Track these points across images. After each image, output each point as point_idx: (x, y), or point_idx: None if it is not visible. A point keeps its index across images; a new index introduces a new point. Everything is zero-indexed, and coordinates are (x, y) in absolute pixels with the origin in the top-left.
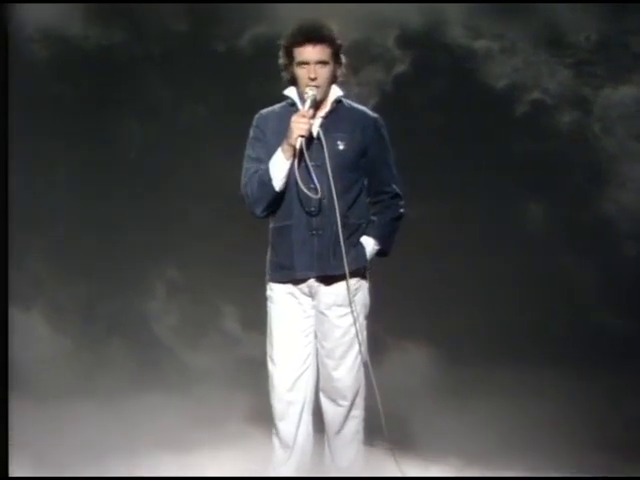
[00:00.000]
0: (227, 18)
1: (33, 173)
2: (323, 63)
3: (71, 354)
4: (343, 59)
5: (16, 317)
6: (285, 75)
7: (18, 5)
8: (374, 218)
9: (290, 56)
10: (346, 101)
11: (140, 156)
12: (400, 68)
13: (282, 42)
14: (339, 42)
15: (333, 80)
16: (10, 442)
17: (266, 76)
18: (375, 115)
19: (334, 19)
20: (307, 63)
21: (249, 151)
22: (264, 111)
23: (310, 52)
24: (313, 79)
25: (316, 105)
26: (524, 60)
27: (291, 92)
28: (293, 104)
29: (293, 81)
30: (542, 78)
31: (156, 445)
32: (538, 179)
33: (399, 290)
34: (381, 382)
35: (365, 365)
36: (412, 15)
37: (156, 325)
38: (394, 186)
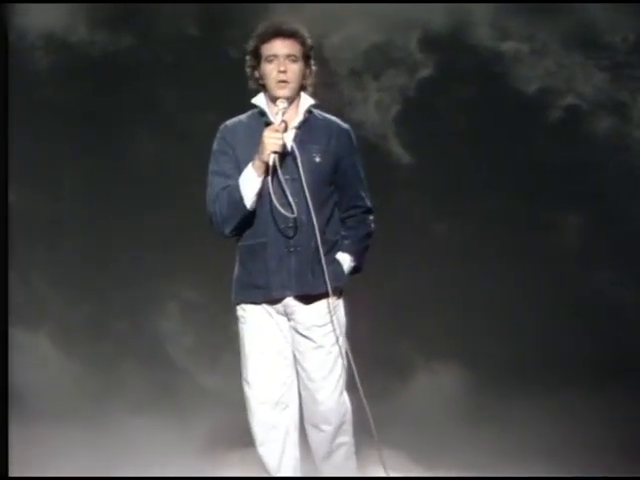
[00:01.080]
0: (241, 20)
1: (36, 188)
2: (293, 58)
3: (80, 377)
4: (313, 65)
5: (22, 339)
6: (252, 84)
7: (18, 9)
8: (347, 234)
9: (258, 56)
10: (316, 111)
11: (151, 168)
12: (423, 72)
13: (248, 45)
14: (310, 42)
15: (303, 86)
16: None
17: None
18: (347, 126)
19: (353, 20)
20: (276, 56)
21: (214, 166)
22: (230, 122)
23: (279, 45)
24: (283, 71)
25: (284, 119)
26: (556, 62)
27: (260, 101)
28: (262, 114)
29: (259, 87)
30: (576, 82)
31: (170, 470)
32: (573, 190)
33: (427, 309)
34: (408, 406)
35: (341, 376)
36: (435, 15)
37: (170, 346)
38: (366, 200)
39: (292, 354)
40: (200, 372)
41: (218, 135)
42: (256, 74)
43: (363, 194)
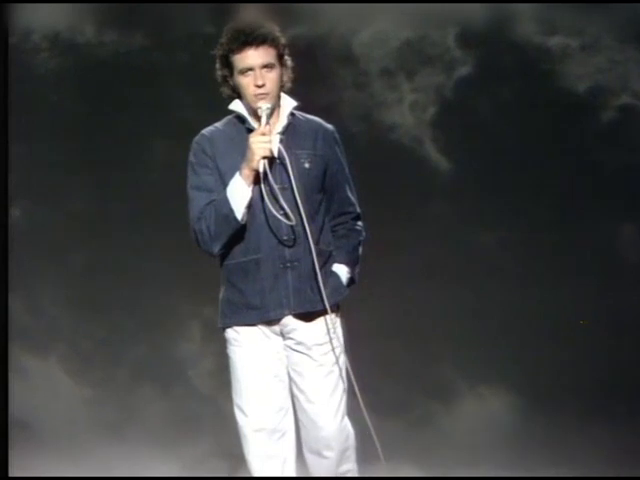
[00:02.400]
0: None
1: (40, 201)
2: (269, 67)
3: (93, 404)
4: (289, 61)
5: (31, 365)
6: (225, 90)
7: (20, 9)
8: (340, 243)
9: (229, 66)
10: (299, 113)
11: (166, 178)
12: (462, 71)
13: (216, 51)
14: (283, 41)
15: (281, 87)
16: None
17: (308, 82)
18: (331, 127)
19: (384, 15)
20: (251, 69)
21: (194, 180)
22: (206, 131)
23: (253, 56)
24: (261, 86)
25: (269, 121)
26: (609, 59)
27: (238, 106)
28: (242, 120)
29: (235, 94)
30: (631, 79)
31: None
32: (628, 197)
33: (471, 330)
34: (453, 434)
35: (343, 398)
36: (475, 9)
37: (191, 370)
38: (356, 206)
39: (287, 376)
40: (223, 398)
41: (195, 146)
42: (230, 83)
43: (353, 199)
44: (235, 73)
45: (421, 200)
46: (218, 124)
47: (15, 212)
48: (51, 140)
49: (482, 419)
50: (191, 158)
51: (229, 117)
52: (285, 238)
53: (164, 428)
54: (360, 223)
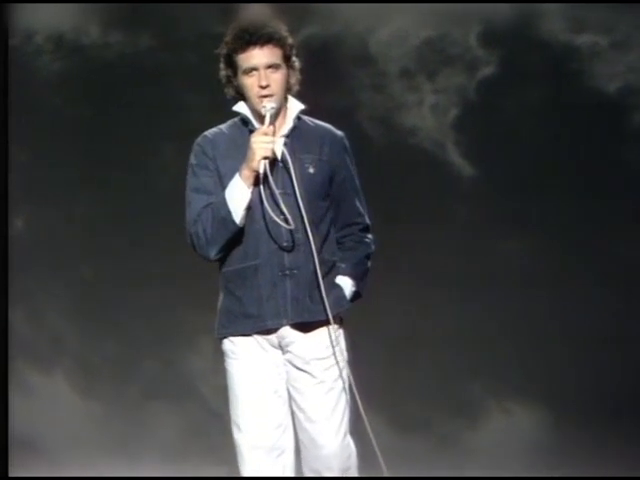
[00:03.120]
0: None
1: (44, 210)
2: (274, 67)
3: (102, 422)
4: (297, 63)
5: (35, 381)
6: (229, 91)
7: (22, 9)
8: (346, 255)
9: (233, 66)
10: (305, 117)
11: (177, 185)
12: (485, 71)
13: (220, 50)
14: (290, 42)
15: (288, 89)
16: None
17: (323, 84)
18: (341, 133)
19: (402, 13)
20: (255, 69)
21: (193, 182)
22: (209, 132)
23: (257, 55)
24: (265, 87)
25: (273, 122)
26: None
27: (242, 108)
28: (246, 122)
29: (239, 95)
30: None
31: None
32: None
33: (497, 342)
34: (480, 452)
35: (345, 415)
36: (498, 5)
37: (203, 386)
38: (365, 217)
39: (287, 391)
40: None
41: (196, 147)
42: (234, 83)
43: (361, 209)
44: (239, 73)
45: (443, 206)
46: (222, 126)
47: (17, 221)
48: (54, 146)
49: (510, 436)
50: (191, 159)
51: (234, 119)
52: (285, 244)
53: (175, 446)
54: (369, 235)
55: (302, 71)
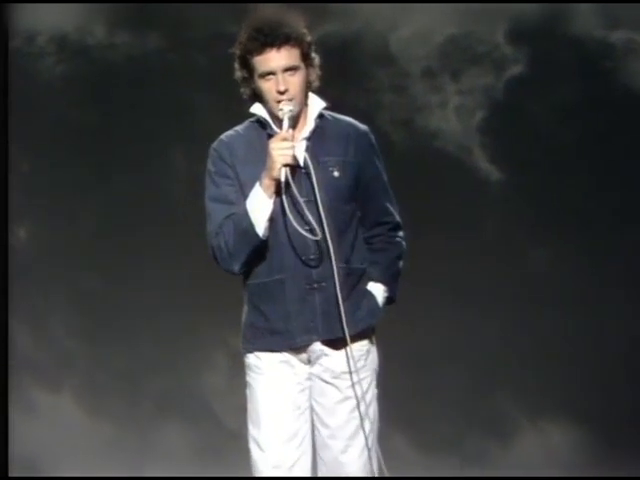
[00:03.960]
0: None
1: (46, 220)
2: (293, 69)
3: (111, 443)
4: (316, 59)
5: (42, 400)
6: (245, 91)
7: (23, 9)
8: (376, 258)
9: (248, 67)
10: (328, 113)
11: (187, 193)
12: (514, 70)
13: (235, 50)
14: (308, 39)
15: (308, 87)
16: None
17: (341, 85)
18: (365, 127)
19: (425, 9)
20: (272, 73)
21: (212, 191)
22: (225, 136)
23: (274, 59)
24: (283, 92)
25: (293, 123)
26: None
27: (259, 109)
28: (263, 124)
29: (256, 96)
30: None
31: None
32: None
33: (528, 358)
34: (511, 472)
35: (372, 432)
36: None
37: (218, 404)
38: (395, 215)
39: (310, 409)
40: None
41: (213, 153)
42: (250, 85)
43: (390, 207)
44: (255, 76)
45: (469, 215)
46: (238, 127)
47: (20, 232)
48: (57, 153)
49: (543, 455)
50: (209, 166)
51: (250, 120)
52: (312, 256)
53: (189, 466)
54: (400, 233)
55: (322, 67)
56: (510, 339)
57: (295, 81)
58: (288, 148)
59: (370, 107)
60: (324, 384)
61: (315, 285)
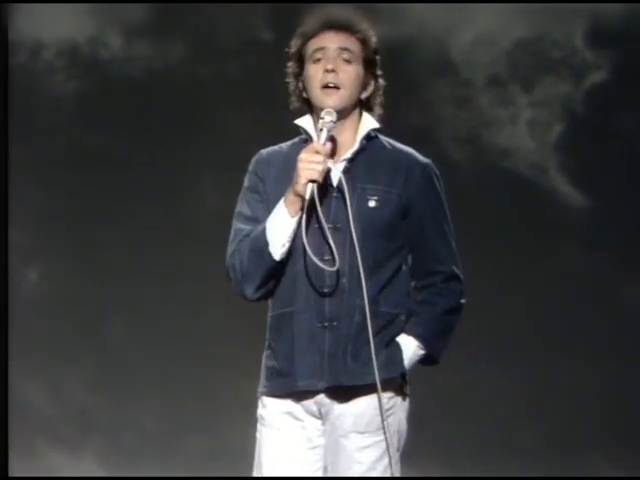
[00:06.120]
0: None
1: (62, 262)
2: (349, 54)
3: None
4: (381, 79)
5: (62, 464)
6: (295, 101)
7: (27, 19)
8: (418, 309)
9: (301, 59)
10: (384, 138)
11: (217, 222)
12: (595, 77)
13: (291, 46)
14: (374, 43)
15: (366, 105)
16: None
17: (393, 97)
18: (427, 160)
19: (489, 10)
20: (323, 50)
21: (239, 206)
22: (265, 150)
23: (329, 37)
24: (331, 70)
25: (331, 139)
26: None
27: (306, 122)
28: (308, 140)
29: (305, 105)
30: None
31: None
32: None
33: (619, 409)
34: None
35: None
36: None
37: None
38: (451, 264)
39: (323, 469)
40: None
41: (250, 167)
42: (299, 84)
43: (445, 256)
44: (306, 65)
45: (546, 245)
46: (285, 143)
47: (31, 275)
48: (70, 184)
49: None
50: (244, 181)
51: (299, 137)
52: (326, 290)
53: None
54: (455, 286)
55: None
56: (598, 386)
57: (348, 69)
58: (318, 163)
59: (427, 122)
60: (334, 443)
61: (326, 323)
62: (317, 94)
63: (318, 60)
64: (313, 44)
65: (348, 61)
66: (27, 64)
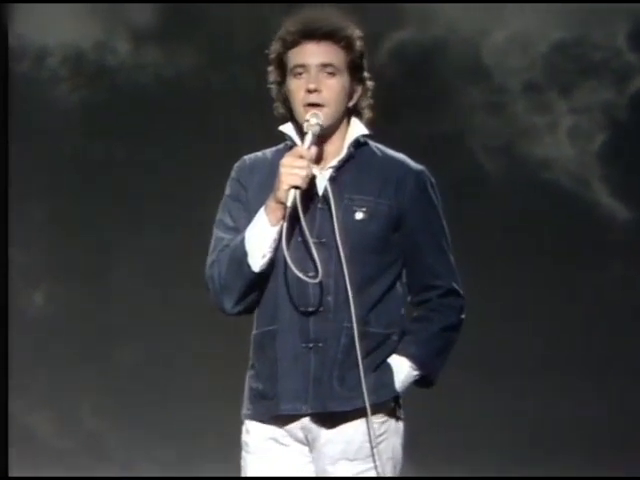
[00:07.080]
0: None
1: (69, 283)
2: (331, 69)
3: None
4: (368, 82)
5: None
6: (278, 107)
7: (30, 25)
8: (412, 327)
9: (282, 66)
10: (374, 145)
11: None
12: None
13: (271, 51)
14: (359, 45)
15: (353, 110)
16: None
17: (421, 104)
18: (420, 167)
19: (524, 10)
20: (304, 67)
21: (223, 216)
22: (249, 157)
23: (310, 51)
24: (313, 91)
25: (316, 143)
26: None
27: (288, 128)
28: (293, 146)
29: (289, 112)
30: None
31: None
32: None
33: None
34: None
35: None
36: None
37: None
38: (449, 279)
39: None
40: None
41: (232, 174)
42: (282, 91)
43: (442, 270)
44: (288, 76)
45: (591, 263)
46: (268, 150)
47: (37, 298)
48: (76, 198)
49: None
50: (226, 189)
51: (284, 143)
52: (310, 308)
53: None
54: (454, 301)
55: (391, 87)
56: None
57: (332, 85)
58: (302, 168)
59: (458, 130)
60: (322, 472)
61: (311, 344)
62: (300, 111)
63: (299, 74)
64: (293, 57)
65: (332, 74)
66: (29, 73)
